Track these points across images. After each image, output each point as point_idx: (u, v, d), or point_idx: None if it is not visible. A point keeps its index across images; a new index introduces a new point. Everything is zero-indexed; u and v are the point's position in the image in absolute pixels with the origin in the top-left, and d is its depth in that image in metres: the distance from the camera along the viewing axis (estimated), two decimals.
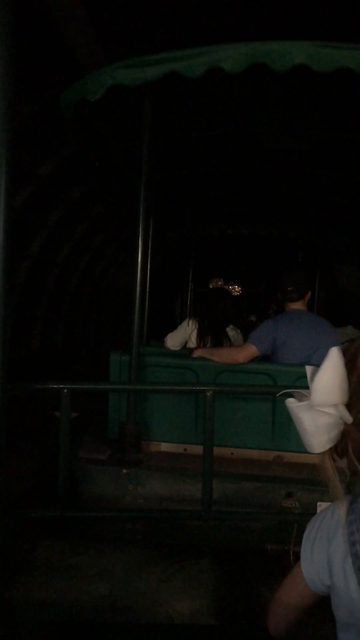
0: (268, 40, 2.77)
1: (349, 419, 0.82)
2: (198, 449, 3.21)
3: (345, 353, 0.85)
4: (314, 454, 0.86)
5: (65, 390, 2.85)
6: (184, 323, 4.34)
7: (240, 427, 3.47)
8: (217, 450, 2.95)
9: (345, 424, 0.83)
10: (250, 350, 3.46)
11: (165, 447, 3.51)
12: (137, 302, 3.31)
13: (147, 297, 3.45)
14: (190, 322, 4.31)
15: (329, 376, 0.82)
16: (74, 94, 3.01)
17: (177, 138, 3.86)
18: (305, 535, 1.09)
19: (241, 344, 4.01)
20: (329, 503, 2.52)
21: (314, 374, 0.83)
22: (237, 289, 4.47)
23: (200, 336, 4.19)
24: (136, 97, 3.14)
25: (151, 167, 3.28)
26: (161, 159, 3.75)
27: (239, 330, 4.33)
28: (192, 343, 4.21)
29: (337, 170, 4.41)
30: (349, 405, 0.82)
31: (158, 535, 3.15)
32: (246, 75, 2.77)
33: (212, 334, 4.18)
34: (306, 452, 2.82)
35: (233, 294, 4.43)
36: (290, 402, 0.86)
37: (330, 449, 0.87)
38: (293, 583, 1.10)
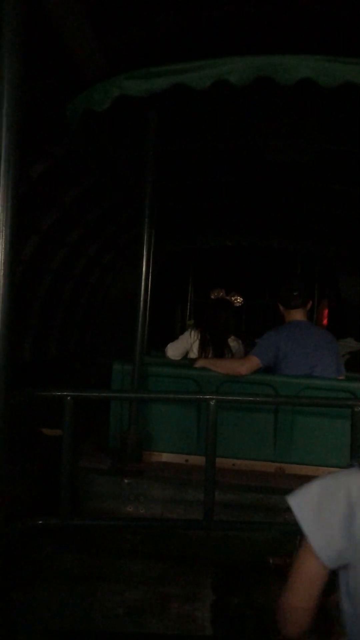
0: (274, 54, 2.95)
1: None
2: (199, 460, 3.34)
3: None
4: None
5: (68, 398, 2.98)
6: (186, 333, 4.49)
7: (242, 438, 3.61)
8: (218, 461, 3.07)
9: None
10: (253, 362, 3.62)
11: (166, 457, 3.64)
12: (140, 312, 3.47)
13: (148, 307, 3.61)
14: (192, 332, 4.46)
15: None
16: (81, 104, 3.17)
17: (180, 149, 4.04)
18: (300, 504, 1.15)
19: (243, 355, 4.17)
20: None
21: None
22: (239, 300, 4.60)
23: (202, 347, 4.34)
24: (140, 107, 3.32)
25: (155, 177, 3.44)
26: (164, 169, 3.92)
27: (240, 341, 4.47)
28: (194, 354, 4.35)
29: (338, 182, 4.60)
30: None
31: (159, 546, 3.27)
32: (251, 88, 2.94)
33: (213, 345, 4.33)
34: (308, 464, 3.03)
35: (235, 304, 4.57)
36: None
37: None
38: (300, 563, 1.16)
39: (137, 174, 3.49)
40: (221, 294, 4.66)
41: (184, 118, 3.68)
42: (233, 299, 4.64)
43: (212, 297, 4.70)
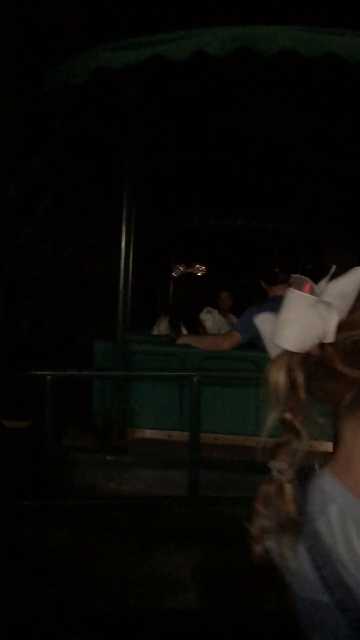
0: (253, 24, 3.10)
1: (331, 336, 0.82)
2: (182, 435, 3.56)
3: None
4: (283, 347, 0.86)
5: (48, 377, 3.16)
6: (157, 322, 4.63)
7: (224, 413, 3.84)
8: (201, 437, 3.30)
9: (322, 342, 0.83)
10: (235, 338, 3.83)
11: (149, 433, 3.86)
12: (122, 290, 3.65)
13: (130, 286, 3.79)
14: (162, 320, 4.60)
15: (348, 282, 0.83)
16: (58, 78, 3.30)
17: (162, 124, 4.17)
18: None
19: (222, 323, 4.36)
20: None
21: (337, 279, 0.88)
22: (201, 269, 4.69)
23: (173, 327, 4.46)
24: (120, 81, 3.45)
25: (134, 152, 3.59)
26: (144, 144, 4.06)
27: (215, 311, 4.62)
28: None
29: (323, 158, 4.79)
30: (340, 324, 0.82)
31: (144, 522, 3.49)
32: (234, 61, 3.10)
33: (185, 323, 4.48)
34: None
35: (198, 274, 4.67)
36: (294, 290, 0.85)
37: (292, 358, 0.86)
38: None
39: (115, 148, 3.61)
40: (181, 268, 4.74)
41: (166, 93, 3.81)
42: (195, 270, 4.71)
43: (175, 275, 4.77)
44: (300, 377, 0.87)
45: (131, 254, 3.72)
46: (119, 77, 3.27)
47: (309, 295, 0.85)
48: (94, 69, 3.14)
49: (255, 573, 3.25)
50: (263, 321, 0.91)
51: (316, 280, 0.91)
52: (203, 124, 4.26)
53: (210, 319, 4.50)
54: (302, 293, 0.85)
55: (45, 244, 9.83)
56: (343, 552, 0.83)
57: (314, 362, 0.87)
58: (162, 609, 3.02)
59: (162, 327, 4.56)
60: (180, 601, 3.07)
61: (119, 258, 3.67)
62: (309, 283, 0.88)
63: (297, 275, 0.89)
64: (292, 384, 0.88)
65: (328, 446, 2.90)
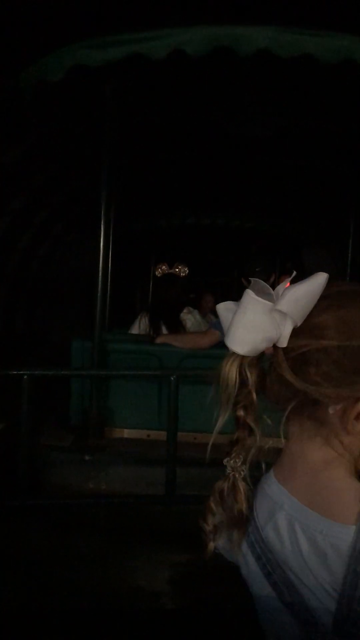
0: (232, 24, 3.12)
1: (284, 342, 0.82)
2: (161, 435, 3.57)
3: (330, 287, 0.84)
4: (233, 349, 0.86)
5: (25, 377, 3.15)
6: (137, 320, 4.63)
7: (203, 412, 3.84)
8: (179, 436, 3.30)
9: (274, 345, 0.83)
10: (214, 336, 3.85)
11: (128, 433, 3.87)
12: (99, 289, 3.65)
13: (109, 285, 3.79)
14: (142, 318, 4.60)
15: (305, 291, 0.82)
16: (34, 75, 3.28)
17: (140, 122, 4.18)
18: None
19: (202, 324, 4.38)
20: None
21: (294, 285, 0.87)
22: (184, 270, 4.64)
23: (153, 326, 4.42)
24: (97, 79, 3.45)
25: (112, 152, 3.59)
26: (122, 144, 4.06)
27: (196, 311, 4.64)
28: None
29: (300, 157, 4.83)
30: (295, 330, 0.82)
31: (122, 521, 3.50)
32: (211, 61, 3.12)
33: (165, 323, 4.44)
34: (269, 436, 3.27)
35: (181, 275, 4.63)
36: (251, 293, 0.83)
37: (244, 357, 0.86)
38: None
39: (93, 146, 3.61)
40: (164, 267, 4.72)
41: (143, 91, 3.82)
42: (178, 270, 4.70)
43: (157, 274, 4.77)
44: (251, 377, 0.86)
45: (110, 252, 3.72)
46: (97, 74, 3.27)
47: (264, 301, 0.83)
48: (71, 66, 3.13)
49: (236, 570, 3.27)
50: (225, 309, 0.88)
51: (296, 278, 0.90)
52: (181, 122, 4.28)
53: (190, 319, 4.51)
54: (258, 298, 0.83)
55: (20, 240, 9.74)
56: (291, 558, 0.84)
57: (269, 363, 0.87)
58: (141, 609, 3.02)
59: (142, 326, 4.56)
60: (159, 600, 3.07)
61: (97, 255, 3.67)
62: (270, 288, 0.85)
63: (256, 279, 0.86)
64: (243, 383, 0.87)
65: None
